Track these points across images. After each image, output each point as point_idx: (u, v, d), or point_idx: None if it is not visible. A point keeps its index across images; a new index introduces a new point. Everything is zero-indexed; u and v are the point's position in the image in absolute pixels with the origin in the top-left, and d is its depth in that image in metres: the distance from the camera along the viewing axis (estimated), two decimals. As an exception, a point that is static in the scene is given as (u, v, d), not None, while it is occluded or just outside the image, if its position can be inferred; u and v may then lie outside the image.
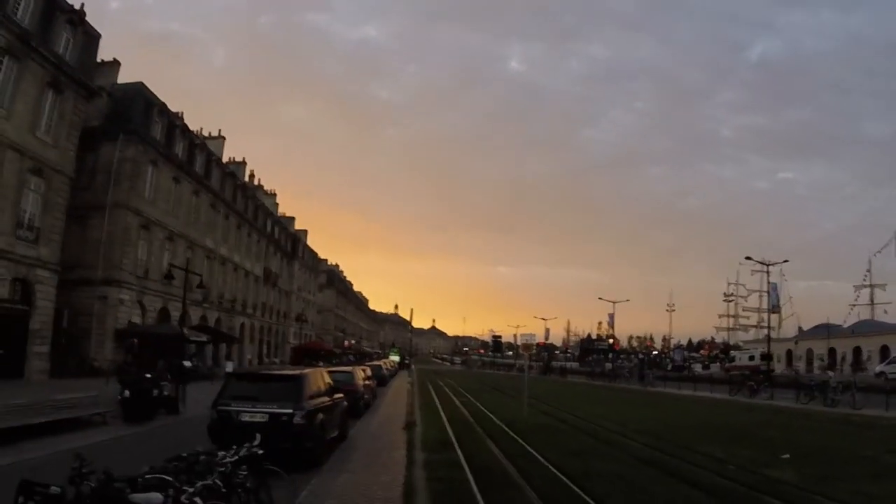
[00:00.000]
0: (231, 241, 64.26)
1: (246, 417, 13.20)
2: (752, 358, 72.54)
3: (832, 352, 77.19)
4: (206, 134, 63.30)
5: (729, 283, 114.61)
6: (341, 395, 18.02)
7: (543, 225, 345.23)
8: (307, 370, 15.15)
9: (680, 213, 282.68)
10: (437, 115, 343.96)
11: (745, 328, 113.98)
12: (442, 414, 24.78)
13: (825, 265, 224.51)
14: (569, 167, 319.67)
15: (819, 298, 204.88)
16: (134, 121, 43.17)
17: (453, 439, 17.45)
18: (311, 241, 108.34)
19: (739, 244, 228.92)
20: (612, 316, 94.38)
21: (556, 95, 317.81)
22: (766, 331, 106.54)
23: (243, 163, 75.11)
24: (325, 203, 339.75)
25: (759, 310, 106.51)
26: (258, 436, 7.92)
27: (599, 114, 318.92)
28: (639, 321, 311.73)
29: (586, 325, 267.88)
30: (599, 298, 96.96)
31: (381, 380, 45.52)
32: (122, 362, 28.11)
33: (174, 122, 50.08)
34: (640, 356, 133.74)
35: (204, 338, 46.52)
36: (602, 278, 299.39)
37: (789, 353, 78.21)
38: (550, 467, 13.43)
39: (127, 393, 20.25)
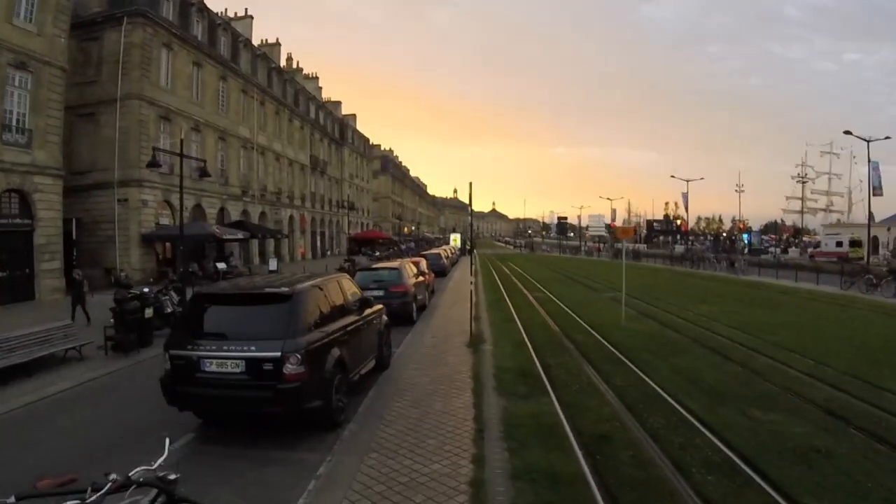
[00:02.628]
0: (270, 130, 59.32)
1: (211, 367, 8.38)
2: (839, 244, 67.06)
3: None
4: (230, 14, 57.61)
5: (796, 166, 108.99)
6: (379, 307, 13.07)
7: (600, 106, 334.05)
8: (307, 282, 9.88)
9: (742, 93, 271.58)
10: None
11: (814, 211, 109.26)
12: (517, 319, 19.55)
13: (886, 150, 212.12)
14: (624, 46, 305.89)
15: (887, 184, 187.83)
16: (137, 0, 37.68)
17: (540, 370, 12.24)
18: (362, 128, 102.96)
19: (803, 127, 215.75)
20: (685, 195, 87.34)
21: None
22: (838, 214, 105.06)
23: (277, 44, 69.03)
24: (375, 89, 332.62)
25: (828, 192, 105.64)
26: (167, 441, 4.13)
27: None
28: (702, 203, 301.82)
29: (647, 206, 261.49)
30: (672, 177, 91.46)
31: (441, 271, 40.92)
32: (119, 278, 23.71)
33: (188, 1, 44.47)
34: (717, 237, 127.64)
35: (240, 235, 41.85)
36: (660, 159, 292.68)
37: (875, 241, 68.88)
38: (715, 440, 8.04)
39: (112, 320, 15.96)
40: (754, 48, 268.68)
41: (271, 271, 39.89)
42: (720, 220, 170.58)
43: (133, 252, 36.72)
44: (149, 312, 16.66)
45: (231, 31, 51.95)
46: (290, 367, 8.21)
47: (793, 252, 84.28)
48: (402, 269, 20.92)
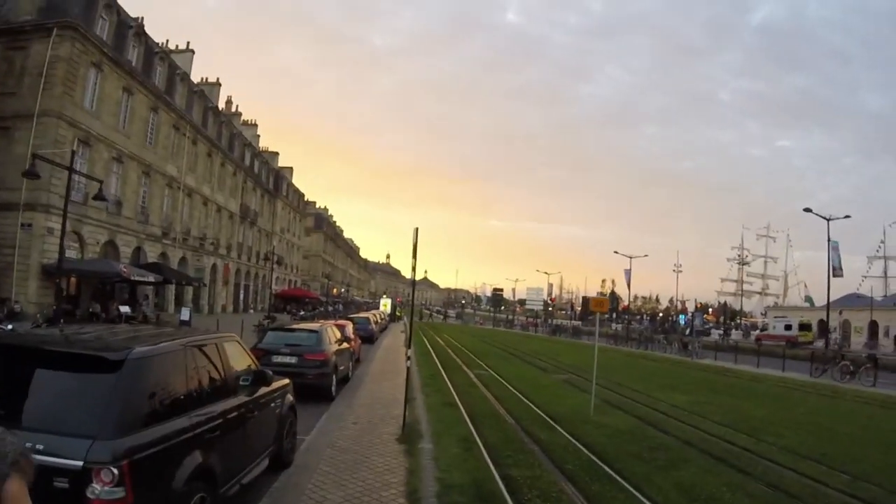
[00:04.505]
0: (200, 171, 55.54)
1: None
2: (788, 327, 66.53)
3: (874, 324, 70.59)
4: (172, 46, 53.95)
5: (732, 248, 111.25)
6: (283, 383, 9.31)
7: (535, 179, 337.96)
8: (159, 343, 5.95)
9: (674, 174, 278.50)
10: (431, 62, 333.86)
11: (749, 294, 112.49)
12: (459, 403, 15.63)
13: (816, 236, 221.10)
14: (562, 122, 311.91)
15: (812, 269, 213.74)
16: (71, 13, 34.26)
17: (502, 488, 8.45)
18: (298, 183, 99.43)
19: (737, 209, 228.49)
20: (628, 272, 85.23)
21: (551, 48, 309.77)
22: (773, 298, 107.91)
23: (217, 84, 65.00)
24: (316, 148, 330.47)
25: (763, 276, 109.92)
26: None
27: (595, 68, 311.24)
28: (639, 280, 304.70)
29: (580, 282, 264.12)
30: (615, 252, 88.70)
31: (369, 337, 37.03)
32: (12, 310, 19.80)
33: (127, 23, 41.03)
34: (654, 317, 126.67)
35: (151, 277, 37.49)
36: (592, 236, 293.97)
37: (822, 324, 69.36)
38: None
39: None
40: (689, 131, 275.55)
41: (182, 322, 35.62)
42: (657, 300, 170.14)
43: (31, 283, 32.93)
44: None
45: (169, 62, 48.51)
46: (98, 489, 4.53)
47: (735, 334, 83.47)
48: (323, 333, 16.93)
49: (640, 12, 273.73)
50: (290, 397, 9.47)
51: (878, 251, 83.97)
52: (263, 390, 8.02)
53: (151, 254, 45.24)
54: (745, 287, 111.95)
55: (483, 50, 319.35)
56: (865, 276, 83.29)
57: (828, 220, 49.26)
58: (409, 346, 13.81)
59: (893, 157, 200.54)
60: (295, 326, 18.79)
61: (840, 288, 57.80)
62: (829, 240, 51.98)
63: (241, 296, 70.46)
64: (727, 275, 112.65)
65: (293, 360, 15.34)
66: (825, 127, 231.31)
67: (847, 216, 49.62)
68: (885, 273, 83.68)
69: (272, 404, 8.52)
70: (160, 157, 46.57)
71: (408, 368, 13.56)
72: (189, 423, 5.77)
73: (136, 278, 36.20)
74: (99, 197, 24.55)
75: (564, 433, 12.64)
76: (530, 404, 16.36)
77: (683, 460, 10.95)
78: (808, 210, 49.33)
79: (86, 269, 34.47)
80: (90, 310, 34.59)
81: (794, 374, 32.12)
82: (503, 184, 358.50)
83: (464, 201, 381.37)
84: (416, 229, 12.33)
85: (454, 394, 17.36)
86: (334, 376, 16.47)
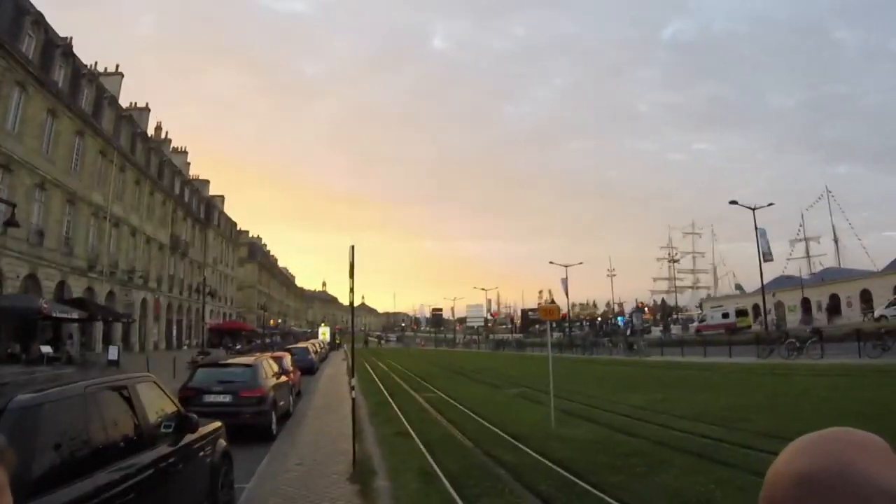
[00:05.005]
0: (128, 200, 53.15)
1: None
2: (725, 315, 68.72)
3: (806, 302, 74.61)
4: (101, 69, 51.81)
5: (661, 248, 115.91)
6: (214, 427, 8.06)
7: (468, 200, 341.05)
8: (33, 394, 4.54)
9: (601, 184, 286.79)
10: (361, 90, 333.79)
11: (681, 289, 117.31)
12: (412, 432, 14.44)
13: (739, 229, 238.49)
14: (491, 142, 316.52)
15: (738, 259, 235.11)
16: (-4, 28, 32.08)
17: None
18: (233, 215, 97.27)
19: (662, 212, 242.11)
20: (564, 281, 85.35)
21: (478, 72, 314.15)
22: (705, 290, 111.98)
23: (146, 109, 62.90)
24: (248, 177, 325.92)
25: (693, 270, 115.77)
26: None
27: (520, 90, 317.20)
28: (576, 289, 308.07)
29: (517, 297, 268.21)
30: (550, 263, 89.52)
31: (308, 367, 35.60)
32: None
33: (54, 42, 39.09)
34: (593, 322, 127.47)
35: (75, 314, 35.23)
36: (528, 249, 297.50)
37: (756, 308, 72.20)
38: None
39: None
40: (612, 143, 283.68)
41: (110, 361, 33.32)
42: (594, 305, 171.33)
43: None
44: None
45: (97, 84, 46.41)
46: None
47: (674, 329, 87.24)
48: (259, 367, 15.43)
49: (560, 35, 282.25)
50: (222, 442, 8.15)
51: (798, 234, 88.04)
52: (189, 438, 6.77)
53: (76, 288, 42.67)
54: (678, 283, 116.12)
55: (412, 76, 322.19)
56: (790, 259, 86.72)
57: (753, 209, 52.01)
58: (352, 375, 12.68)
59: (800, 149, 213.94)
60: (228, 361, 17.06)
61: (767, 272, 60.43)
62: (756, 228, 54.27)
63: (174, 331, 67.78)
64: (658, 274, 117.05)
65: (227, 398, 13.94)
66: (737, 128, 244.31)
67: (771, 204, 52.71)
68: (808, 253, 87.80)
69: (201, 453, 7.24)
70: (86, 184, 44.26)
71: (353, 399, 12.41)
72: (93, 488, 4.58)
73: (59, 315, 33.78)
74: (11, 223, 22.64)
75: (530, 451, 11.69)
76: (487, 424, 15.33)
77: (662, 463, 10.27)
78: (733, 202, 52.35)
79: (3, 306, 32.01)
80: (8, 350, 32.25)
81: (742, 358, 32.78)
82: (437, 206, 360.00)
83: (398, 225, 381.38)
84: (353, 247, 11.27)
85: (405, 422, 16.12)
86: (274, 413, 15.06)
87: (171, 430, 6.33)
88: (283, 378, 17.80)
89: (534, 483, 9.38)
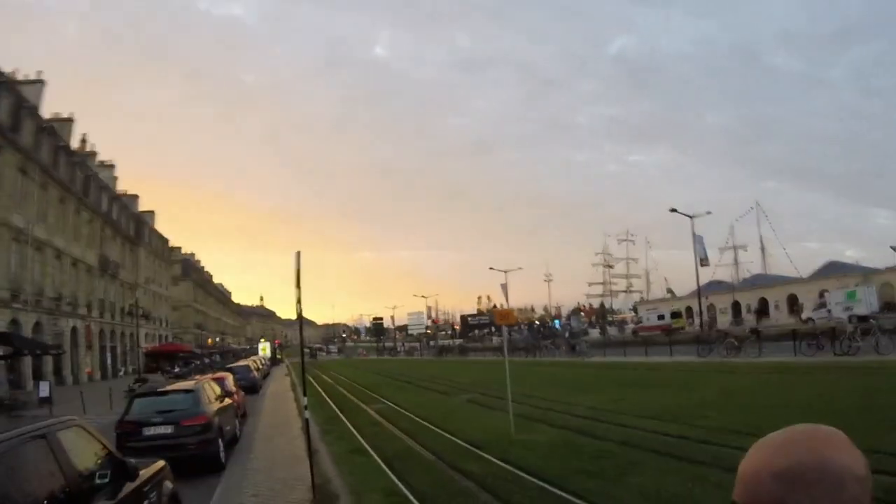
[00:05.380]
0: (52, 221, 50.06)
1: None
2: (661, 317, 72.42)
3: (736, 305, 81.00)
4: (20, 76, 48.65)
5: (596, 254, 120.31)
6: (157, 467, 7.26)
7: (406, 210, 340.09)
8: None
9: (538, 193, 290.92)
10: (300, 100, 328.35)
11: (615, 294, 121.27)
12: (368, 447, 13.83)
13: (670, 236, 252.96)
14: (432, 153, 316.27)
15: (668, 265, 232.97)
16: None
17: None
18: (166, 231, 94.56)
19: (597, 220, 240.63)
20: (504, 286, 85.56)
21: (419, 82, 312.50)
22: (638, 294, 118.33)
23: (70, 120, 58.80)
24: (180, 191, 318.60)
25: (627, 275, 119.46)
26: None
27: (462, 100, 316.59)
28: (514, 294, 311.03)
29: (454, 304, 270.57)
30: (490, 268, 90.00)
31: (251, 386, 34.49)
32: None
33: None
34: (531, 325, 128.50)
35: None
36: (465, 258, 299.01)
37: (689, 310, 77.62)
38: None
39: None
40: (551, 154, 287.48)
41: (42, 399, 31.51)
42: (532, 309, 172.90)
43: None
44: None
45: (16, 93, 43.65)
46: None
47: (611, 330, 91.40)
48: (200, 391, 14.33)
49: (504, 47, 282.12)
50: (168, 484, 7.33)
51: (727, 243, 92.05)
52: (130, 487, 6.02)
53: (0, 321, 40.28)
54: (612, 287, 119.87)
55: (353, 86, 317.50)
56: (718, 265, 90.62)
57: (691, 217, 54.36)
58: (304, 393, 11.95)
59: (731, 164, 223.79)
60: (166, 388, 15.68)
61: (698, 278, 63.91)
62: (693, 234, 56.58)
63: (109, 359, 64.71)
64: (593, 278, 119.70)
65: (169, 429, 12.96)
66: (671, 142, 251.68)
67: (709, 212, 56.13)
68: (736, 261, 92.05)
69: (146, 501, 6.49)
70: (4, 205, 41.64)
71: (306, 420, 11.77)
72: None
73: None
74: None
75: (495, 460, 11.32)
76: (445, 434, 14.88)
77: (633, 464, 10.13)
78: (674, 210, 53.95)
79: None
80: None
81: (683, 357, 33.66)
82: (375, 216, 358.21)
83: (336, 236, 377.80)
84: (298, 253, 10.55)
85: (359, 437, 15.56)
86: (221, 440, 14.04)
87: (107, 481, 5.43)
88: (227, 400, 16.77)
89: (507, 494, 9.03)
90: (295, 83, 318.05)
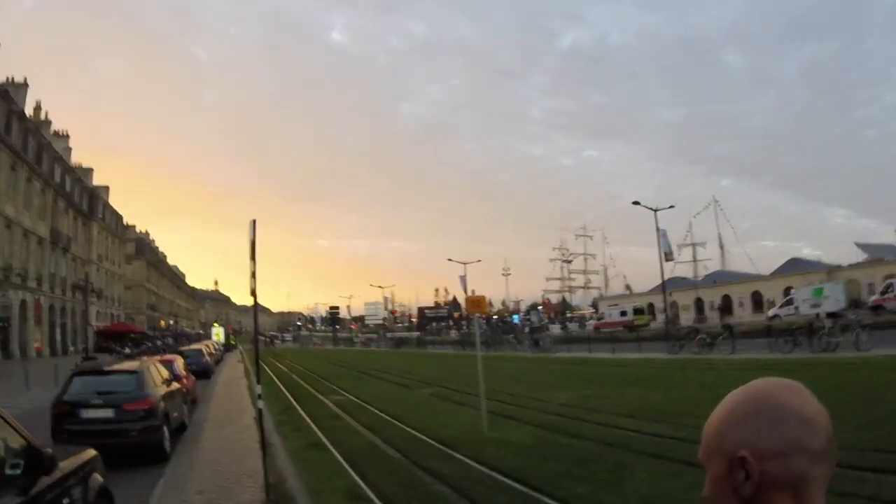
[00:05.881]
0: (2, 187, 48.30)
1: None
2: (623, 313, 71.04)
3: (699, 301, 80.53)
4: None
5: (553, 249, 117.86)
6: (87, 456, 6.29)
7: (359, 197, 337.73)
8: None
9: (493, 186, 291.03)
10: (255, 80, 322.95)
11: (573, 289, 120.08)
12: (327, 442, 12.79)
13: (626, 232, 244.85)
14: (386, 139, 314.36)
15: (625, 261, 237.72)
16: None
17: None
18: (120, 208, 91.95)
19: (551, 215, 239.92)
20: (463, 278, 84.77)
21: (374, 68, 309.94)
22: (597, 290, 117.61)
23: (24, 85, 57.11)
24: (134, 166, 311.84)
25: (585, 271, 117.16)
26: None
27: (416, 88, 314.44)
28: (472, 288, 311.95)
29: (410, 296, 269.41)
30: (449, 260, 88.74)
31: (203, 371, 33.38)
32: None
33: None
34: (489, 319, 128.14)
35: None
36: (421, 249, 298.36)
37: (651, 307, 77.11)
38: None
39: None
40: (505, 146, 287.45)
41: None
42: (490, 303, 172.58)
43: None
44: None
45: None
46: None
47: (571, 326, 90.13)
48: (145, 373, 13.09)
49: (457, 37, 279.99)
50: (98, 478, 6.23)
51: (685, 239, 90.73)
52: (46, 481, 4.99)
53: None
54: (570, 283, 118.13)
55: (309, 67, 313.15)
56: (677, 262, 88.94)
57: (655, 210, 52.78)
58: (258, 380, 10.83)
59: (687, 161, 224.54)
60: (108, 368, 14.31)
61: (657, 274, 63.38)
62: (657, 228, 55.06)
63: (58, 336, 62.61)
64: (551, 274, 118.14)
65: (109, 412, 11.76)
66: (625, 138, 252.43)
67: (671, 206, 53.97)
68: (695, 258, 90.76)
69: (66, 499, 5.45)
70: None
71: (259, 411, 10.66)
72: None
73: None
74: None
75: (468, 460, 10.39)
76: (411, 430, 13.85)
77: (623, 467, 9.22)
78: (636, 203, 53.11)
79: None
80: None
81: (651, 354, 32.53)
82: (329, 203, 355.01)
83: (290, 222, 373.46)
84: (254, 221, 9.52)
85: (317, 430, 14.45)
86: (166, 427, 12.88)
87: (18, 473, 4.57)
88: (175, 385, 15.45)
89: (486, 500, 8.11)
90: (251, 62, 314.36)
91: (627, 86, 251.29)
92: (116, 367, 13.98)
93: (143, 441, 11.83)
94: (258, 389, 10.62)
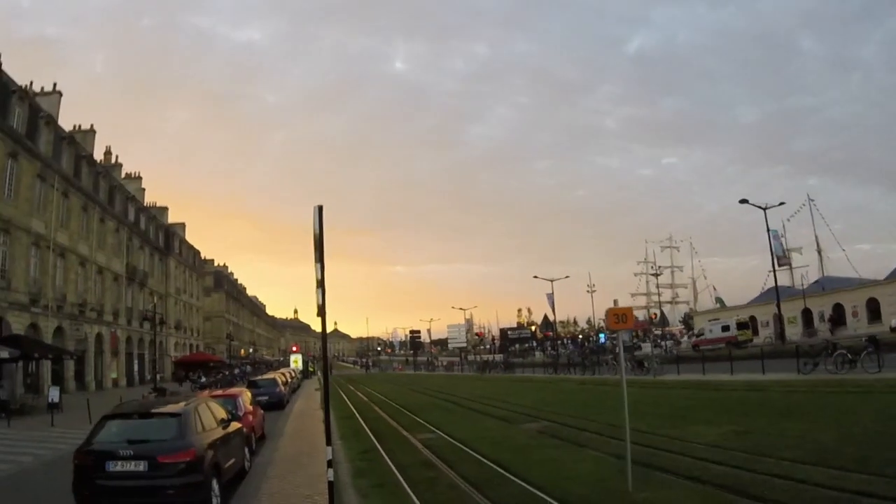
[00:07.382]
0: (74, 228, 48.46)
1: None
2: (726, 328, 63.55)
3: (807, 312, 69.53)
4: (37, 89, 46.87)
5: (638, 262, 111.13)
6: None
7: (435, 222, 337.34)
8: None
9: (570, 202, 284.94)
10: (323, 118, 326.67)
11: (661, 304, 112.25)
12: None
13: (712, 243, 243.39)
14: (456, 164, 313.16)
15: (711, 273, 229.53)
16: None
17: None
18: (197, 244, 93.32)
19: (632, 228, 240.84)
20: (551, 296, 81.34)
21: (440, 94, 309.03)
22: (685, 304, 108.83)
23: (91, 131, 58.03)
24: (213, 211, 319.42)
25: (672, 285, 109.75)
26: None
27: (484, 110, 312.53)
28: (545, 309, 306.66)
29: (489, 318, 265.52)
30: (535, 277, 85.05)
31: (277, 401, 31.20)
32: None
33: None
34: (575, 339, 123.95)
35: (5, 353, 29.88)
36: (499, 271, 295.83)
37: (753, 320, 70.61)
38: None
39: None
40: (579, 160, 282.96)
41: (51, 405, 28.12)
42: (575, 322, 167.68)
43: None
44: None
45: (30, 102, 41.76)
46: None
47: (664, 345, 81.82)
48: (189, 416, 10.25)
49: (521, 54, 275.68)
50: None
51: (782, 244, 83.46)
52: None
53: (17, 325, 37.69)
54: (656, 298, 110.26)
55: (374, 101, 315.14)
56: (770, 271, 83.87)
57: (764, 209, 49.19)
58: (327, 427, 7.99)
59: (769, 162, 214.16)
60: (146, 410, 11.15)
61: (752, 287, 57.61)
62: (768, 230, 51.61)
63: (136, 366, 63.01)
64: (636, 289, 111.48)
65: (141, 465, 9.05)
66: (705, 142, 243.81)
67: (782, 203, 51.00)
68: (791, 265, 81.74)
69: None
70: (22, 211, 39.80)
71: (328, 461, 7.77)
72: None
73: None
74: None
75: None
76: (527, 486, 10.50)
77: None
78: (744, 201, 49.49)
79: None
80: None
81: (777, 374, 28.27)
82: (404, 230, 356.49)
83: (366, 251, 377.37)
84: (320, 207, 8.02)
85: (405, 485, 11.16)
86: (215, 480, 10.16)
87: None
88: (234, 426, 12.70)
89: None
90: (316, 102, 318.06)
91: (701, 86, 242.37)
92: (157, 409, 11.01)
93: (182, 501, 9.25)
94: (328, 453, 7.77)
